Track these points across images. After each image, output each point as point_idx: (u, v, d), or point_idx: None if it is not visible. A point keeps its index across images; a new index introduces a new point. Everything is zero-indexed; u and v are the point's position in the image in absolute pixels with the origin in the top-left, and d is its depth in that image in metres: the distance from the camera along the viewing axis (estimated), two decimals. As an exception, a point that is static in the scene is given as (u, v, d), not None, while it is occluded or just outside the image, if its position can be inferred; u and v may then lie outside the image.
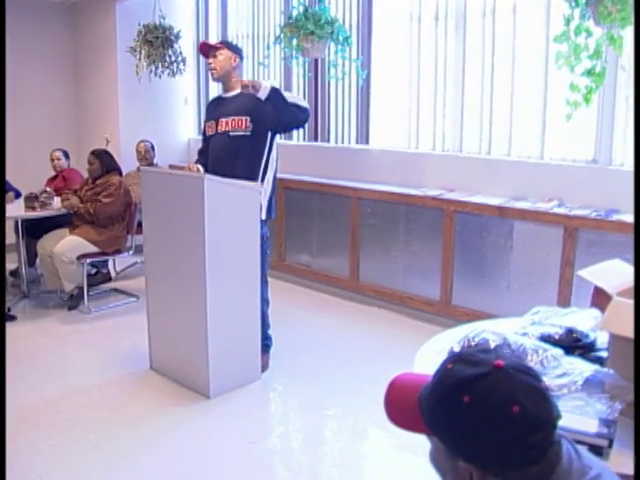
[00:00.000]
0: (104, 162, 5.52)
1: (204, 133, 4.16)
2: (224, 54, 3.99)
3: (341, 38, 5.24)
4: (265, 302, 4.08)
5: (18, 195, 5.82)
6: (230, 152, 3.89)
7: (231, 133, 3.90)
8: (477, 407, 1.09)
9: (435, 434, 1.15)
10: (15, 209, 5.44)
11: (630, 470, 1.43)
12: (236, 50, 4.09)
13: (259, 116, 3.84)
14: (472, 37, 4.90)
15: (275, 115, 3.79)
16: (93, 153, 5.56)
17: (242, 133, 3.87)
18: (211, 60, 4.01)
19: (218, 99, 4.23)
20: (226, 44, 4.10)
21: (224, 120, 3.93)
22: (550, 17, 4.41)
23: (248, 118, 3.86)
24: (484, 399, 1.09)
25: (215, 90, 7.26)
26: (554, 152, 4.57)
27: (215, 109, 4.09)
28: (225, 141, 3.91)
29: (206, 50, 4.07)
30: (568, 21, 3.70)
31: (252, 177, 3.83)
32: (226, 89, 4.11)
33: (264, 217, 3.94)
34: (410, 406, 1.20)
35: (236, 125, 3.88)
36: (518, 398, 1.08)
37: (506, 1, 4.67)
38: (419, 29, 5.23)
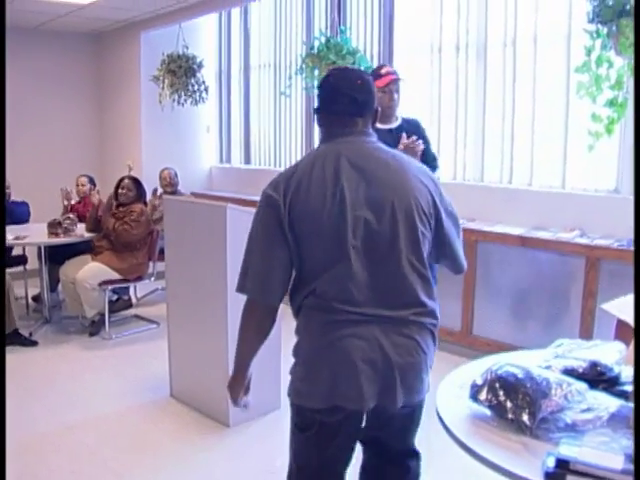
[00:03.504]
0: (140, 192, 5.61)
1: None
2: (400, 91, 3.98)
3: (363, 68, 5.27)
4: None
5: None
6: None
7: None
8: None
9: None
10: (38, 235, 5.50)
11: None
12: None
13: None
14: (493, 67, 4.93)
15: None
16: (134, 180, 5.63)
17: None
18: (396, 96, 3.95)
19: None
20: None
21: None
22: (571, 47, 4.42)
23: None
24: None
25: (237, 120, 7.33)
26: (576, 182, 4.55)
27: None
28: None
29: (389, 82, 3.94)
30: (589, 52, 3.70)
31: None
32: (383, 121, 3.96)
33: None
34: None
35: None
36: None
37: (527, 31, 4.69)
38: (440, 59, 5.26)
